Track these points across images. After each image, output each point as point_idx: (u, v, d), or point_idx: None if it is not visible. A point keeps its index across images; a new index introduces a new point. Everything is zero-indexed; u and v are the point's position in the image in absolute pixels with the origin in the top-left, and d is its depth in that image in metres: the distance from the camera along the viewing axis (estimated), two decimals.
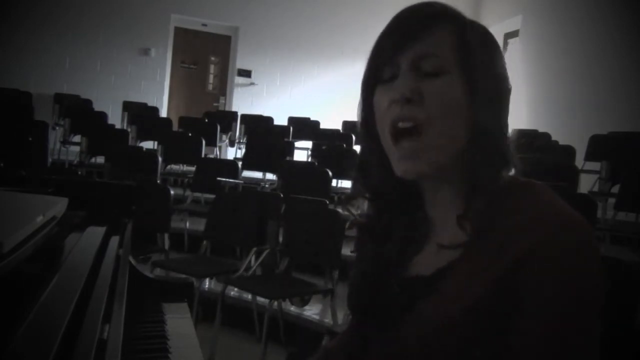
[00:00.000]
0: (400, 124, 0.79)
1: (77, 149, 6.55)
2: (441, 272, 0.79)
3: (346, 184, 6.19)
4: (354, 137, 6.73)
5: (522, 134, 6.69)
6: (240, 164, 5.66)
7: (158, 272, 3.50)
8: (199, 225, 4.32)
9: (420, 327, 0.78)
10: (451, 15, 0.82)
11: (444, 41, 0.80)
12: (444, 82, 0.79)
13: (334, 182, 5.52)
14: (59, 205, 1.24)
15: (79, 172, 5.46)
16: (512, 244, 0.73)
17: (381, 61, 0.83)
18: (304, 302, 3.84)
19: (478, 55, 0.80)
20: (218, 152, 7.53)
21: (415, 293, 0.81)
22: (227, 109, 9.42)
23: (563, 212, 0.75)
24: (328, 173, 4.78)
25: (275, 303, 3.42)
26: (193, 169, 5.77)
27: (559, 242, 0.72)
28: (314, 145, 6.64)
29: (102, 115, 7.32)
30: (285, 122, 8.10)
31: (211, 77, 9.78)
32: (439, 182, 0.84)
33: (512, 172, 0.85)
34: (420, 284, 0.81)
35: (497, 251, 0.74)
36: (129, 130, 6.89)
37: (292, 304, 3.81)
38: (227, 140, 8.05)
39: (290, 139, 6.99)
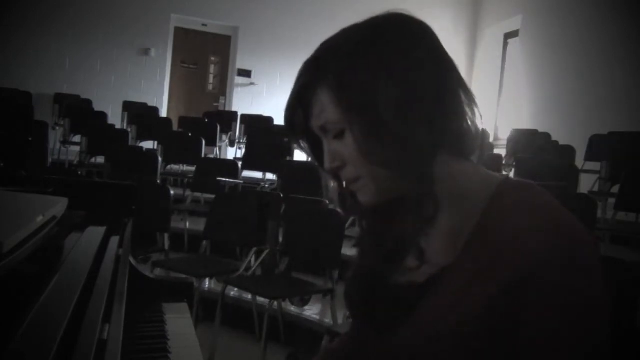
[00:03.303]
0: (351, 187, 0.83)
1: (77, 149, 6.55)
2: (434, 280, 0.78)
3: None
4: None
5: (521, 133, 6.70)
6: (240, 164, 5.66)
7: (158, 272, 3.50)
8: (199, 225, 4.32)
9: (416, 335, 0.77)
10: (320, 72, 0.79)
11: (326, 104, 0.79)
12: (347, 140, 0.79)
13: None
14: (59, 205, 1.24)
15: (79, 172, 5.46)
16: (509, 256, 0.72)
17: (294, 136, 0.86)
18: (304, 302, 3.84)
19: (356, 95, 0.76)
20: (218, 152, 7.53)
21: (408, 300, 0.80)
22: (227, 109, 9.42)
23: (561, 223, 0.73)
24: None
25: (275, 303, 3.42)
26: (193, 169, 5.77)
27: (558, 259, 0.70)
28: None
29: (102, 115, 7.32)
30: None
31: (211, 77, 9.78)
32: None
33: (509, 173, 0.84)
34: (414, 292, 0.80)
35: (493, 261, 0.73)
36: (129, 130, 6.90)
37: (292, 304, 3.81)
38: (227, 140, 8.05)
39: None
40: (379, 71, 0.76)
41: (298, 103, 0.82)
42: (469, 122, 0.80)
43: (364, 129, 0.77)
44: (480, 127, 0.81)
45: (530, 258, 0.70)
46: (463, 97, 0.80)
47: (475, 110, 0.80)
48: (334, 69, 0.78)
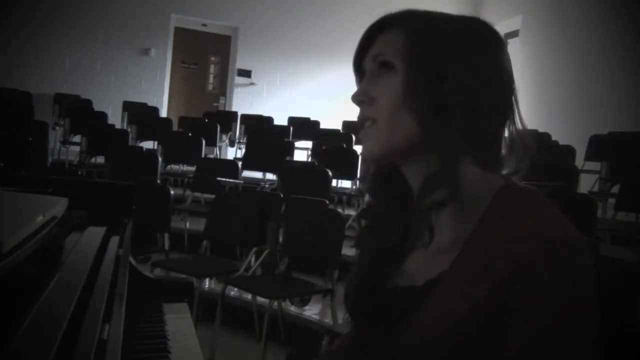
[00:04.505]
0: (365, 124, 0.85)
1: (77, 149, 6.55)
2: (432, 284, 0.79)
3: (346, 184, 6.20)
4: (354, 137, 6.73)
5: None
6: (240, 164, 5.66)
7: (158, 272, 3.50)
8: (199, 225, 4.32)
9: (413, 339, 0.78)
10: (407, 18, 0.84)
11: (394, 41, 0.83)
12: (388, 79, 0.82)
13: (334, 182, 5.53)
14: (59, 205, 1.24)
15: (79, 172, 5.46)
16: (503, 259, 0.72)
17: (354, 66, 0.89)
18: (304, 302, 3.84)
19: (422, 54, 0.80)
20: (218, 152, 7.53)
21: (407, 304, 0.81)
22: (227, 109, 9.42)
23: (556, 229, 0.73)
24: (328, 173, 4.78)
25: (275, 303, 3.42)
26: (193, 169, 5.77)
27: (549, 262, 0.70)
28: (314, 145, 6.64)
29: (102, 115, 7.32)
30: (285, 122, 8.10)
31: (211, 77, 9.78)
32: (417, 174, 0.84)
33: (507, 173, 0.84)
34: (412, 295, 0.81)
35: (488, 265, 0.73)
36: (129, 130, 6.89)
37: (292, 304, 3.81)
38: (227, 140, 8.05)
39: (290, 139, 6.99)
40: (457, 47, 0.80)
41: (373, 32, 0.86)
42: (510, 141, 0.83)
43: (422, 79, 0.79)
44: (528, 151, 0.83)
45: (521, 264, 0.71)
46: (517, 116, 0.84)
47: (524, 135, 0.83)
48: (418, 22, 0.83)
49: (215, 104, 9.58)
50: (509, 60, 0.84)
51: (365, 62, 0.86)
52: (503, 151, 0.83)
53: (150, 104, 8.59)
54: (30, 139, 4.84)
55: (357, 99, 0.85)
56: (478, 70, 0.80)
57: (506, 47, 0.85)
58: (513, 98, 0.84)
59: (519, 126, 0.84)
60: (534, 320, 0.70)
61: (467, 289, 0.74)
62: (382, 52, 0.84)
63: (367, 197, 0.95)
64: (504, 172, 0.84)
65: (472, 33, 0.83)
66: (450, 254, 0.78)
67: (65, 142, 7.04)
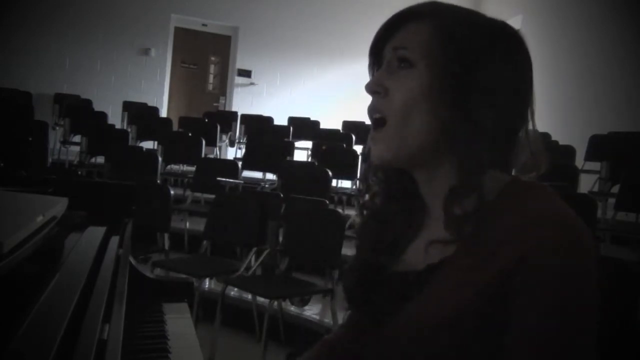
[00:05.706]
0: (374, 115, 0.83)
1: (77, 149, 6.55)
2: (432, 269, 0.79)
3: (346, 184, 6.20)
4: (354, 137, 6.74)
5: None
6: (240, 164, 5.66)
7: (158, 272, 3.49)
8: (199, 225, 4.32)
9: (411, 325, 0.78)
10: (436, 12, 0.82)
11: (418, 35, 0.80)
12: (404, 76, 0.80)
13: (334, 182, 5.53)
14: (59, 205, 1.24)
15: (79, 172, 5.46)
16: (505, 247, 0.72)
17: (370, 53, 0.87)
18: (304, 302, 3.84)
19: (447, 52, 0.78)
20: (218, 152, 7.53)
21: (406, 288, 0.81)
22: (227, 109, 9.42)
23: (561, 217, 0.73)
24: (328, 173, 4.78)
25: (275, 303, 3.42)
26: (193, 169, 5.77)
27: (553, 249, 0.70)
28: (314, 145, 6.64)
29: (102, 115, 7.32)
30: (285, 122, 8.10)
31: (211, 77, 9.78)
32: (426, 174, 0.84)
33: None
34: (412, 279, 0.81)
35: (491, 253, 0.74)
36: (129, 130, 6.90)
37: (292, 304, 3.81)
38: (227, 140, 8.05)
39: (290, 139, 6.99)
40: (488, 50, 0.79)
41: (397, 20, 0.83)
42: (524, 144, 0.82)
43: (448, 80, 0.77)
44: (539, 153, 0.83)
45: (528, 250, 0.71)
46: (530, 123, 0.83)
47: (535, 137, 0.83)
48: (448, 17, 0.81)
49: (215, 104, 9.58)
50: (530, 66, 0.84)
51: (386, 50, 0.84)
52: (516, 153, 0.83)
53: (150, 104, 8.59)
54: (30, 139, 4.84)
55: (371, 89, 0.83)
56: (508, 75, 0.80)
57: (529, 54, 0.84)
58: (530, 104, 0.83)
59: (532, 131, 0.83)
60: (538, 306, 0.70)
61: (471, 273, 0.74)
62: (403, 45, 0.81)
63: (370, 189, 0.93)
64: (514, 173, 0.84)
65: (502, 37, 0.82)
66: (454, 243, 0.78)
67: (65, 142, 7.04)
